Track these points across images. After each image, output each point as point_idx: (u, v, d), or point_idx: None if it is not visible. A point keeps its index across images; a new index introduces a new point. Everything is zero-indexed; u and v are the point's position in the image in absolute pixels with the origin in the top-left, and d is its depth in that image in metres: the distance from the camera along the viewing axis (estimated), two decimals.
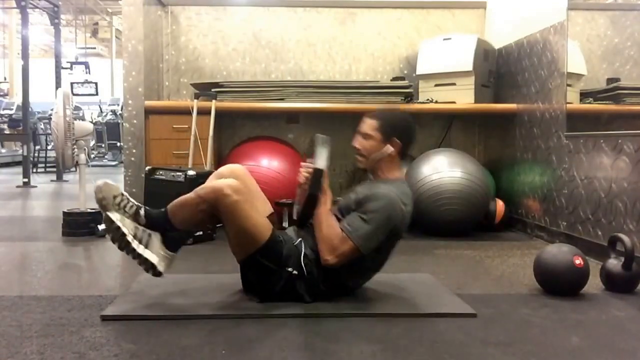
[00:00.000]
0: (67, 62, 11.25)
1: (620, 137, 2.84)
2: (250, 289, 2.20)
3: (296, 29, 4.62)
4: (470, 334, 1.87)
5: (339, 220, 2.16)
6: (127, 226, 2.08)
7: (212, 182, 2.17)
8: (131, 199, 2.17)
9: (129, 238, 2.06)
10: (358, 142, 2.27)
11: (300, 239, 2.17)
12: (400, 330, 1.89)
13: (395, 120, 2.28)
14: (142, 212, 2.14)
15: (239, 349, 1.72)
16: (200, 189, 2.12)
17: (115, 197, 2.11)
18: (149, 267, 2.09)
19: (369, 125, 2.25)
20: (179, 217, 2.13)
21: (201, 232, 2.23)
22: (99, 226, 3.59)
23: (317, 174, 2.15)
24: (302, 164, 2.24)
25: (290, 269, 2.11)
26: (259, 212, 2.15)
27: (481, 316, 2.05)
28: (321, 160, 2.17)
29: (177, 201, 2.15)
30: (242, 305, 2.11)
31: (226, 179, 2.15)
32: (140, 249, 2.07)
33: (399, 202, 2.13)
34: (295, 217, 2.29)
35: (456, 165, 3.71)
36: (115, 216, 2.08)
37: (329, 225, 2.12)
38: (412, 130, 2.30)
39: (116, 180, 2.29)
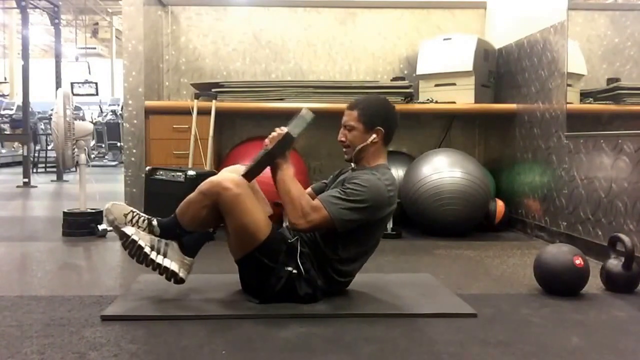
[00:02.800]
0: (68, 61, 11.24)
1: (620, 137, 2.84)
2: (249, 290, 2.19)
3: (296, 29, 4.62)
4: (470, 334, 1.87)
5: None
6: (142, 239, 2.10)
7: (212, 177, 2.16)
8: (142, 214, 2.19)
9: (147, 250, 2.08)
10: (343, 135, 2.27)
11: (296, 237, 2.16)
12: (400, 330, 1.89)
13: (376, 108, 2.25)
14: (154, 222, 2.17)
15: (239, 349, 1.72)
16: (202, 186, 2.12)
17: (125, 215, 2.15)
18: (170, 275, 2.12)
19: (350, 116, 2.24)
20: (187, 218, 2.14)
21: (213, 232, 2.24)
22: (99, 226, 3.59)
23: (286, 137, 2.10)
24: (276, 128, 2.20)
25: (289, 269, 2.10)
26: (260, 208, 2.14)
27: (481, 316, 2.05)
28: (296, 128, 2.13)
29: (183, 202, 2.16)
30: (242, 306, 2.11)
31: (227, 174, 2.15)
32: (159, 259, 2.10)
33: (382, 186, 2.12)
34: (242, 172, 2.21)
35: (456, 165, 3.71)
36: (129, 230, 2.10)
37: (298, 190, 2.08)
38: (394, 115, 2.28)
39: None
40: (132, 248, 2.09)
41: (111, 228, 2.20)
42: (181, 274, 2.13)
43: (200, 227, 2.20)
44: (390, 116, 2.27)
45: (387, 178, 2.17)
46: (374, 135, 2.21)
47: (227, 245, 2.19)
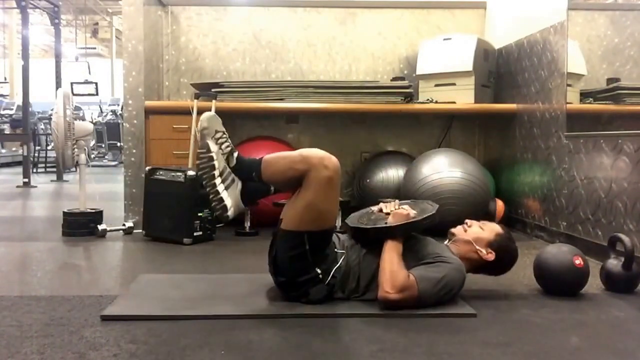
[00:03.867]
0: (68, 61, 11.24)
1: (620, 137, 2.84)
2: (274, 266, 2.17)
3: (296, 29, 4.62)
4: (470, 334, 1.87)
5: None
6: (219, 161, 2.11)
7: (318, 150, 2.11)
8: (229, 140, 2.18)
9: (216, 172, 2.10)
10: (474, 222, 2.33)
11: (343, 251, 2.16)
12: (400, 330, 1.89)
13: (510, 248, 2.31)
14: (235, 154, 2.16)
15: (238, 350, 1.72)
16: (306, 151, 2.12)
17: (217, 131, 2.15)
18: (222, 208, 2.12)
19: (493, 226, 2.32)
20: (272, 168, 2.12)
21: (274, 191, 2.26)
22: (99, 226, 3.59)
23: (414, 225, 2.20)
24: (398, 202, 2.30)
25: (318, 270, 2.10)
26: (337, 200, 2.14)
27: (481, 316, 2.05)
28: (424, 220, 2.22)
29: (277, 154, 2.17)
30: (242, 306, 2.11)
31: (332, 156, 2.11)
32: (220, 187, 2.11)
33: (463, 275, 2.16)
34: (347, 221, 2.30)
35: (456, 165, 3.71)
36: (213, 146, 2.11)
37: (399, 265, 2.09)
38: (506, 267, 2.34)
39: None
40: (206, 163, 2.10)
41: (198, 135, 2.19)
42: (230, 213, 2.12)
43: (278, 183, 2.21)
44: (505, 262, 2.31)
45: (464, 270, 2.20)
46: (485, 252, 2.25)
47: (282, 212, 2.17)
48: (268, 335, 1.83)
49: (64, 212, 3.69)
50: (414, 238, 2.26)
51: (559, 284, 2.35)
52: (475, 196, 3.65)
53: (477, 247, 2.26)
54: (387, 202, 2.36)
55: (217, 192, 2.11)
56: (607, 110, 3.32)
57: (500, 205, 3.95)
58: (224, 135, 2.17)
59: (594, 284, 2.45)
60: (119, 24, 18.86)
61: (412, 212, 2.24)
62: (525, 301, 2.28)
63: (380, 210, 2.32)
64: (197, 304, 2.14)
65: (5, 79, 17.47)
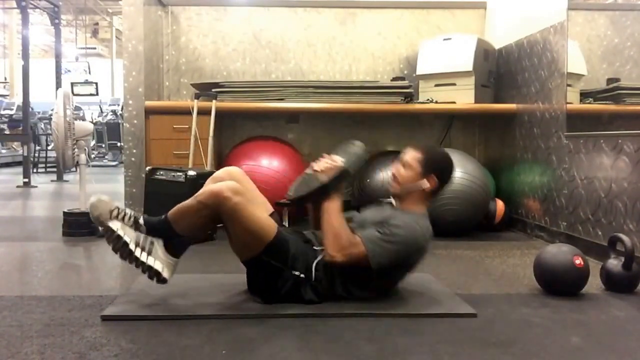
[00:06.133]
0: (68, 61, 11.25)
1: (620, 137, 2.84)
2: (255, 290, 2.19)
3: (296, 29, 4.62)
4: (470, 334, 1.87)
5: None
6: (128, 234, 2.07)
7: (210, 186, 2.14)
8: (127, 210, 2.14)
9: (132, 246, 2.05)
10: (396, 169, 2.29)
11: (322, 247, 2.16)
12: (400, 330, 1.89)
13: (439, 159, 2.30)
14: (141, 220, 2.13)
15: (239, 350, 1.72)
16: (199, 195, 2.10)
17: (111, 211, 2.10)
18: (154, 274, 2.09)
19: (411, 155, 2.26)
20: (181, 224, 2.11)
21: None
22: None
23: (343, 174, 2.14)
24: (327, 155, 2.23)
25: (297, 273, 2.10)
26: (261, 211, 2.14)
27: (481, 316, 2.05)
28: (353, 165, 2.18)
29: (177, 209, 2.13)
30: (243, 306, 2.11)
31: (224, 182, 2.13)
32: (143, 256, 2.07)
33: (420, 232, 2.16)
34: (289, 194, 2.25)
35: (456, 165, 3.67)
36: (115, 225, 2.07)
37: (341, 223, 2.12)
38: (451, 172, 2.34)
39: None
40: (116, 243, 2.07)
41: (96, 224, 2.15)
42: (165, 274, 2.08)
43: (196, 233, 2.19)
44: (448, 172, 2.31)
45: (424, 225, 2.20)
46: (426, 182, 2.22)
47: (230, 245, 2.19)
48: (268, 335, 1.83)
49: (64, 212, 3.69)
50: (366, 209, 2.27)
51: (559, 284, 2.35)
52: (475, 196, 3.65)
53: (417, 186, 2.22)
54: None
55: (142, 262, 2.06)
56: (607, 110, 3.32)
57: (500, 205, 3.95)
58: (120, 209, 2.12)
59: (594, 284, 2.45)
60: (119, 24, 18.86)
61: (340, 160, 2.18)
62: (525, 301, 2.28)
63: (314, 170, 2.24)
64: (197, 304, 2.14)
65: (6, 79, 17.49)
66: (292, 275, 2.10)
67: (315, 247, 2.18)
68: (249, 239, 2.08)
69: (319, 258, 2.14)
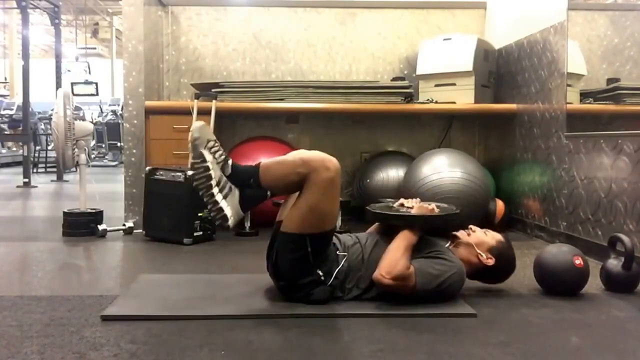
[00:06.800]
0: (68, 61, 11.25)
1: (620, 137, 2.84)
2: (274, 267, 2.16)
3: (296, 29, 4.62)
4: (470, 334, 1.87)
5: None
6: (215, 170, 2.06)
7: (317, 152, 2.11)
8: (222, 149, 2.13)
9: (213, 182, 2.04)
10: (477, 229, 2.36)
11: (345, 253, 2.16)
12: (400, 330, 1.89)
13: (509, 256, 2.35)
14: (229, 162, 2.11)
15: (238, 349, 1.72)
16: (306, 154, 2.09)
17: (209, 140, 2.09)
18: (222, 218, 2.06)
19: (495, 234, 2.35)
20: (272, 173, 2.09)
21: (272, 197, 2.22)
22: (99, 226, 3.59)
23: (438, 218, 2.25)
24: (431, 205, 2.30)
25: (320, 272, 2.09)
26: (339, 201, 2.13)
27: (481, 316, 2.05)
28: (449, 215, 2.28)
29: (275, 160, 2.13)
30: (242, 306, 2.11)
31: (331, 157, 2.10)
32: (219, 197, 2.05)
33: (463, 278, 2.19)
34: (377, 210, 2.33)
35: (456, 165, 3.71)
36: (208, 156, 2.06)
37: (405, 252, 2.10)
38: (504, 275, 2.38)
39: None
40: (201, 174, 2.05)
41: (190, 146, 2.11)
42: (230, 222, 2.07)
43: (279, 189, 2.18)
44: (503, 272, 2.36)
45: (464, 272, 2.22)
46: (489, 260, 2.27)
47: (278, 213, 2.17)
48: (268, 335, 1.83)
49: (64, 212, 3.69)
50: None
51: (559, 284, 2.35)
52: (475, 196, 3.65)
53: (478, 251, 2.27)
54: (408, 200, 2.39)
55: (216, 202, 2.05)
56: (607, 110, 3.32)
57: (500, 205, 3.95)
58: (217, 144, 2.11)
59: (594, 284, 2.45)
60: (119, 24, 18.85)
61: (436, 209, 2.28)
62: (525, 301, 2.28)
63: (402, 205, 2.34)
64: (197, 304, 2.14)
65: (6, 79, 17.49)
66: (315, 272, 2.09)
67: (338, 252, 2.17)
68: (313, 216, 2.05)
69: (342, 264, 2.13)
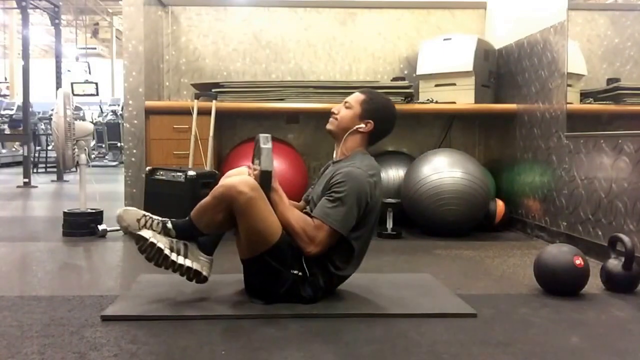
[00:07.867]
0: (68, 61, 11.25)
1: (620, 137, 2.84)
2: (253, 291, 2.18)
3: (296, 30, 4.62)
4: (470, 334, 1.87)
5: (310, 215, 2.15)
6: (160, 241, 2.07)
7: (225, 181, 2.14)
8: (155, 217, 2.15)
9: (167, 252, 2.05)
10: (337, 108, 2.31)
11: None
12: (400, 330, 1.90)
13: (380, 105, 2.29)
14: (169, 225, 2.14)
15: (238, 349, 1.72)
16: (215, 190, 2.10)
17: (139, 220, 2.12)
18: (194, 274, 2.11)
19: (355, 97, 2.29)
20: (203, 222, 2.12)
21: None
22: (99, 226, 3.59)
23: (265, 176, 2.12)
24: (249, 165, 2.26)
25: (296, 272, 2.10)
26: (272, 211, 2.11)
27: (481, 316, 2.05)
28: (266, 161, 2.15)
29: (197, 207, 2.14)
30: (242, 306, 2.11)
31: (240, 176, 2.13)
32: (180, 260, 2.08)
33: (365, 176, 2.13)
34: None
35: (456, 165, 3.71)
36: (147, 233, 2.06)
37: (296, 218, 2.10)
38: (391, 121, 2.31)
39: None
40: (150, 251, 2.05)
41: (125, 233, 2.16)
42: (204, 273, 2.12)
43: (217, 230, 2.19)
44: (388, 121, 2.30)
45: (366, 164, 2.18)
46: (363, 125, 2.24)
47: (235, 244, 2.18)
48: (268, 335, 1.83)
49: (64, 212, 3.69)
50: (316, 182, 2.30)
51: (559, 284, 2.35)
52: (475, 196, 3.65)
53: (354, 127, 2.24)
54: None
55: (181, 265, 2.07)
56: (607, 111, 3.32)
57: (500, 205, 3.95)
58: (147, 216, 2.13)
59: (594, 284, 2.45)
60: (120, 24, 18.87)
61: (256, 167, 2.18)
62: (525, 301, 2.28)
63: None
64: (197, 304, 2.14)
65: (6, 79, 17.49)
66: (291, 274, 2.10)
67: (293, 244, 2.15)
68: (256, 237, 2.07)
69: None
